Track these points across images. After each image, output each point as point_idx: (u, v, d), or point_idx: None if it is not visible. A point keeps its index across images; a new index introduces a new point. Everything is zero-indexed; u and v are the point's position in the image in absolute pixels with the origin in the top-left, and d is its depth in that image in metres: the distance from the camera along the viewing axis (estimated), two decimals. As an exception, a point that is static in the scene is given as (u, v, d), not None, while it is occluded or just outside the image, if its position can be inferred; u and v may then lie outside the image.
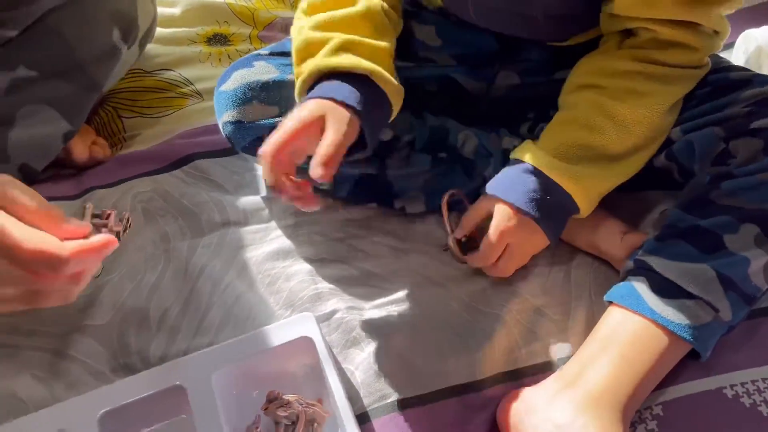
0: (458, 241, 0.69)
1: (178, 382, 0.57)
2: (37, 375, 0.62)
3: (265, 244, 0.72)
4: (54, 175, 0.81)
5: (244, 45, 0.92)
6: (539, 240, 0.66)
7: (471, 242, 0.69)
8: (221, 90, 0.69)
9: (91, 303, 0.67)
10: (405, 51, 0.71)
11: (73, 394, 0.60)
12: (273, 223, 0.74)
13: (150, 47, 0.91)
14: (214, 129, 0.82)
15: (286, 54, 0.69)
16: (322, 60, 0.61)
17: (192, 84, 0.88)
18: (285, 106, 0.67)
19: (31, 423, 0.56)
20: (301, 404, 0.57)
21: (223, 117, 0.68)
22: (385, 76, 0.61)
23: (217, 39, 0.93)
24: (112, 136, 0.85)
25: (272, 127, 0.66)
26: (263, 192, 0.76)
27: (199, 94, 0.87)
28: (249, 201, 0.75)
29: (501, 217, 0.64)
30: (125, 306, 0.67)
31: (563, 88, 0.67)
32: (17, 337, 0.65)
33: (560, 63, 0.70)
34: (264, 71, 0.68)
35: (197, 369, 0.58)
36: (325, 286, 0.68)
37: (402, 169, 0.71)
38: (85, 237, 0.44)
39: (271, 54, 0.70)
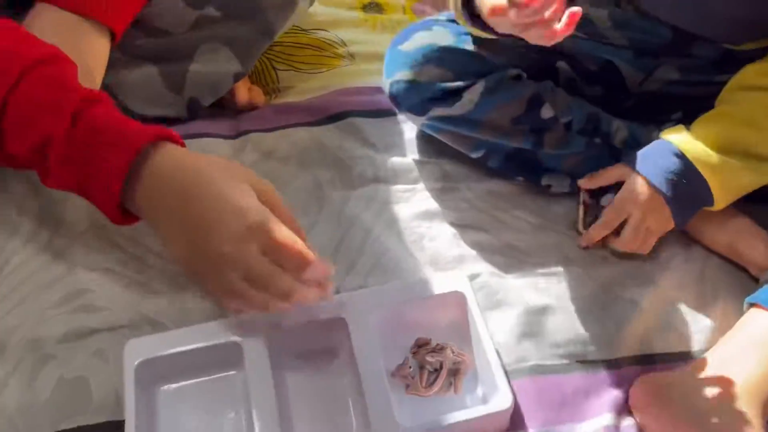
0: (584, 213, 0.72)
1: (342, 316, 0.61)
2: (202, 293, 0.67)
3: (412, 204, 0.76)
4: (211, 114, 0.85)
5: (398, 15, 0.95)
6: (664, 220, 0.68)
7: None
8: (399, 49, 0.72)
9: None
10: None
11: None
12: (421, 185, 0.77)
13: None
14: (366, 91, 0.86)
15: None
16: None
17: (346, 46, 0.92)
18: (458, 71, 0.70)
19: (205, 330, 0.60)
20: (453, 352, 0.61)
21: (396, 75, 0.72)
22: None
23: (373, 6, 0.96)
24: (265, 86, 0.90)
25: (444, 90, 0.70)
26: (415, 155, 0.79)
27: (352, 56, 0.91)
28: (399, 161, 0.79)
29: (631, 186, 0.67)
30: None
31: (725, 87, 0.69)
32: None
33: (725, 66, 0.71)
34: (442, 36, 0.71)
35: (358, 306, 0.62)
36: (467, 250, 0.72)
37: (556, 149, 0.74)
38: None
39: (449, 20, 0.73)
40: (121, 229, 0.71)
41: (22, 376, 0.61)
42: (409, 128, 0.83)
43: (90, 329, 0.64)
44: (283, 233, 0.54)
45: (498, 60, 0.72)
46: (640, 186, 0.67)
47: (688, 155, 0.66)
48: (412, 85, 0.71)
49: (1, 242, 0.69)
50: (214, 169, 0.55)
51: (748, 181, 0.67)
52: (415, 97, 0.71)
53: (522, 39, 0.56)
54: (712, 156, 0.65)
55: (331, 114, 0.84)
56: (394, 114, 0.84)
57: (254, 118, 0.84)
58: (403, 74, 0.71)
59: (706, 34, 0.70)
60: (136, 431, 0.54)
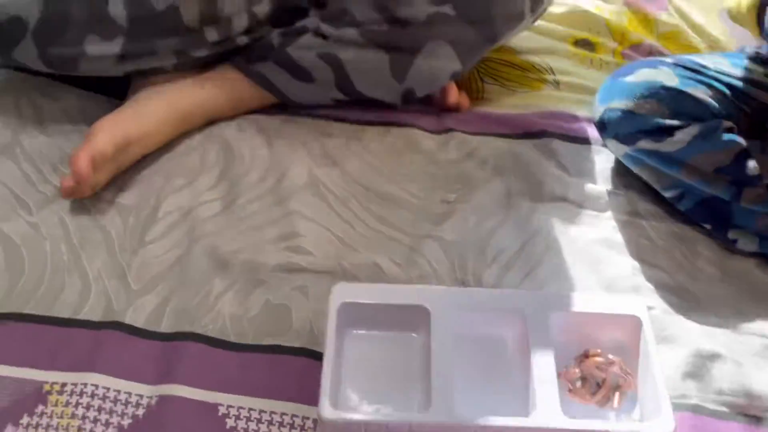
0: None
1: (521, 308, 0.64)
2: (395, 260, 0.73)
3: (596, 229, 0.78)
4: (417, 107, 0.91)
5: (607, 56, 0.98)
6: None
7: None
8: (623, 80, 0.76)
9: (444, 219, 0.77)
10: None
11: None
12: (607, 214, 0.80)
13: (523, 34, 0.99)
14: (565, 117, 0.90)
15: (688, 68, 0.75)
16: None
17: (554, 74, 0.96)
18: (676, 111, 0.72)
19: (400, 291, 0.66)
20: (621, 369, 0.62)
21: (612, 103, 0.75)
22: None
23: (584, 43, 1.00)
24: (470, 93, 0.95)
25: (658, 126, 0.73)
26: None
27: (556, 83, 0.95)
28: (589, 187, 0.82)
29: None
30: (468, 234, 0.76)
31: None
32: (386, 227, 0.77)
33: None
34: (667, 76, 0.75)
35: (537, 305, 0.65)
36: (644, 283, 0.73)
37: (754, 205, 0.74)
38: None
39: (676, 64, 0.76)
40: (333, 190, 0.79)
41: (237, 291, 0.70)
42: (602, 159, 0.85)
43: (297, 266, 0.72)
44: None
45: (715, 108, 0.74)
46: None
47: None
48: (627, 114, 0.74)
49: (239, 178, 0.79)
50: None
51: None
52: (628, 126, 0.74)
53: None
54: None
55: (530, 131, 0.88)
56: (589, 143, 0.87)
57: (459, 120, 0.90)
58: (621, 103, 0.75)
59: None
60: (332, 370, 0.60)
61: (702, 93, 0.75)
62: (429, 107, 0.92)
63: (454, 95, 0.91)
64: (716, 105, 0.75)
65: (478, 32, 0.84)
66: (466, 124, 0.89)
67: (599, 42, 1.00)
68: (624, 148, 0.77)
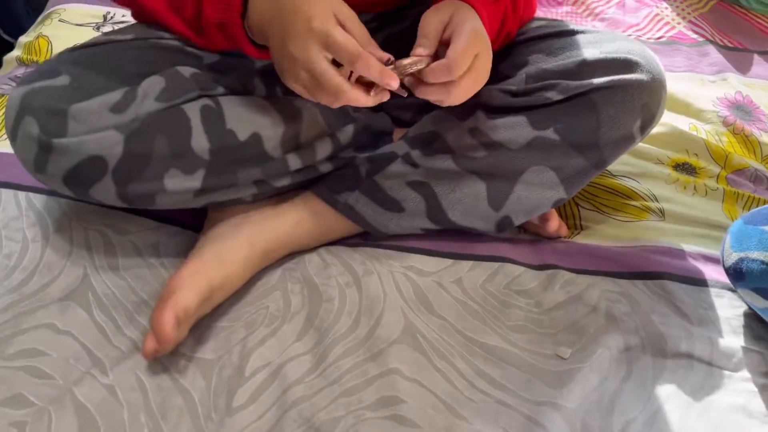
0: None
1: None
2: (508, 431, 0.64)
3: (731, 393, 0.69)
4: (509, 239, 0.84)
5: (711, 181, 0.91)
6: None
7: None
8: (763, 228, 0.67)
9: (563, 382, 0.68)
10: None
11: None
12: (743, 374, 0.70)
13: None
14: (679, 253, 0.82)
15: None
16: None
17: (657, 201, 0.88)
18: None
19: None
20: None
21: (753, 253, 0.68)
22: None
23: (685, 167, 0.93)
24: (566, 219, 0.87)
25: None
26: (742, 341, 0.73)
27: (662, 212, 0.87)
28: (719, 341, 0.73)
29: None
30: (589, 398, 0.67)
31: None
32: (497, 391, 0.68)
33: None
34: None
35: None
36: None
37: None
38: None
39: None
40: (432, 342, 0.70)
41: None
42: (724, 305, 0.77)
43: None
44: (338, 35, 0.63)
45: None
46: None
47: None
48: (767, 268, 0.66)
49: (329, 326, 0.71)
50: None
51: None
52: (768, 282, 0.66)
53: None
54: None
55: (641, 270, 0.79)
56: (706, 285, 0.78)
57: (559, 253, 0.82)
58: (763, 255, 0.66)
59: None
60: None
61: None
62: (521, 234, 0.85)
63: (554, 223, 0.84)
64: None
65: (585, 158, 0.77)
66: (568, 258, 0.81)
67: (701, 166, 0.92)
68: (764, 302, 0.68)
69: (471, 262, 0.80)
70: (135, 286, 0.74)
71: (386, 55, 0.65)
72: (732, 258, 0.70)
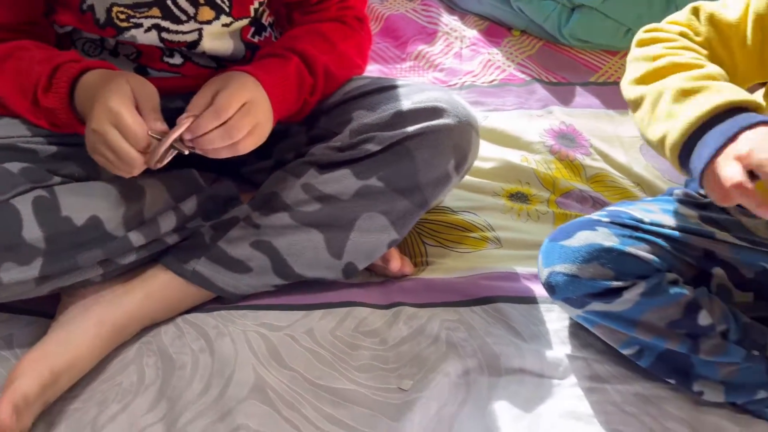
0: None
1: None
2: None
3: (560, 400, 0.72)
4: (361, 279, 0.86)
5: (543, 206, 0.96)
6: None
7: None
8: (563, 244, 0.72)
9: (403, 415, 0.70)
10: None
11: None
12: (570, 380, 0.73)
13: (457, 193, 0.98)
14: (512, 276, 0.86)
15: (624, 225, 0.72)
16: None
17: (494, 230, 0.92)
18: (619, 271, 0.69)
19: None
20: None
21: (557, 267, 0.71)
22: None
23: (518, 196, 0.98)
24: (413, 257, 0.90)
25: (605, 288, 0.68)
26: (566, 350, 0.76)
27: (498, 240, 0.91)
28: (546, 354, 0.76)
29: None
30: (428, 425, 0.69)
31: None
32: (331, 428, 0.68)
33: None
34: (606, 237, 0.71)
35: None
36: (618, 458, 0.66)
37: (713, 356, 0.69)
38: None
39: (612, 222, 0.73)
40: (282, 395, 0.71)
41: None
42: (553, 318, 0.80)
43: None
44: (128, 117, 0.68)
45: (657, 264, 0.70)
46: None
47: None
48: (573, 279, 0.70)
49: (179, 392, 0.71)
50: (106, 77, 0.72)
51: None
52: (575, 290, 0.70)
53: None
54: None
55: (477, 297, 0.83)
56: (536, 302, 0.82)
57: (405, 290, 0.85)
58: (565, 267, 0.71)
59: None
60: None
61: (643, 251, 0.71)
62: (372, 277, 0.87)
63: (396, 263, 0.86)
64: (657, 260, 0.71)
65: (409, 200, 0.81)
66: (413, 294, 0.84)
67: (532, 193, 0.98)
68: (576, 311, 0.72)
69: (322, 311, 0.82)
70: (-16, 381, 0.73)
71: (160, 127, 0.70)
72: (544, 274, 0.74)
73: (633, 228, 0.73)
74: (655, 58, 0.69)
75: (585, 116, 1.11)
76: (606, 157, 1.03)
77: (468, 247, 0.91)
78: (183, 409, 0.70)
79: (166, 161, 0.71)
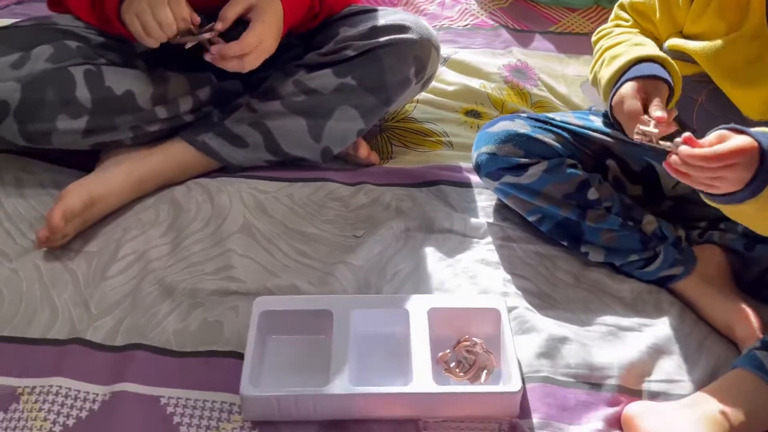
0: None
1: (406, 308, 0.76)
2: (311, 282, 0.86)
3: (475, 252, 0.92)
4: (336, 164, 1.06)
5: (491, 121, 1.15)
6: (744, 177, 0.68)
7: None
8: (487, 131, 0.92)
9: (353, 250, 0.90)
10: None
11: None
12: (487, 240, 0.94)
13: (423, 108, 1.17)
14: (456, 168, 1.05)
15: (538, 120, 0.92)
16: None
17: (448, 136, 1.12)
18: (528, 152, 0.89)
19: (311, 300, 0.79)
20: (483, 348, 0.74)
21: (482, 148, 0.91)
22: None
23: (473, 113, 1.17)
24: (381, 153, 1.10)
25: (516, 164, 0.87)
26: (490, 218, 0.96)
27: (451, 144, 1.11)
28: (471, 220, 0.96)
29: (739, 139, 0.67)
30: (372, 260, 0.89)
31: None
32: (305, 259, 0.90)
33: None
34: (521, 126, 0.91)
35: (417, 304, 0.77)
36: (512, 290, 0.86)
37: (596, 223, 0.88)
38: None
39: (529, 117, 0.93)
40: (263, 232, 0.92)
41: (180, 312, 0.82)
42: (483, 198, 1.00)
43: (230, 290, 0.84)
44: None
45: (560, 150, 0.90)
46: (747, 141, 0.66)
47: None
48: (492, 156, 0.90)
49: (185, 226, 0.92)
50: None
51: None
52: (493, 165, 0.90)
53: None
54: None
55: (425, 180, 1.03)
56: (471, 187, 1.02)
57: (370, 174, 1.05)
58: (488, 148, 0.90)
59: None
60: (252, 359, 0.71)
61: (549, 138, 0.90)
62: (347, 165, 1.07)
63: (364, 150, 1.07)
64: (560, 146, 0.91)
65: (376, 97, 1.01)
66: (375, 177, 1.04)
67: (484, 111, 1.17)
68: (494, 183, 0.92)
69: (302, 183, 1.03)
70: (37, 206, 0.95)
71: (197, 18, 0.90)
72: (474, 157, 0.93)
73: (544, 122, 0.93)
74: (598, 48, 0.92)
75: (539, 57, 1.30)
76: (551, 89, 1.23)
77: (426, 148, 1.11)
78: (186, 236, 0.92)
79: (187, 45, 0.92)
